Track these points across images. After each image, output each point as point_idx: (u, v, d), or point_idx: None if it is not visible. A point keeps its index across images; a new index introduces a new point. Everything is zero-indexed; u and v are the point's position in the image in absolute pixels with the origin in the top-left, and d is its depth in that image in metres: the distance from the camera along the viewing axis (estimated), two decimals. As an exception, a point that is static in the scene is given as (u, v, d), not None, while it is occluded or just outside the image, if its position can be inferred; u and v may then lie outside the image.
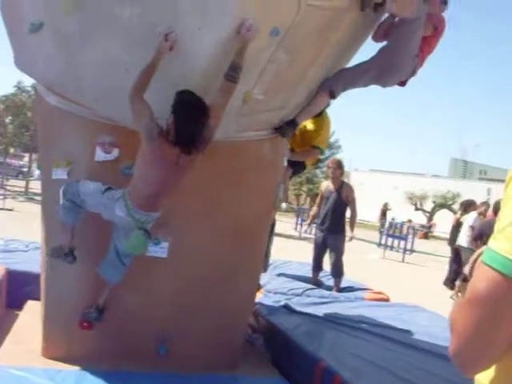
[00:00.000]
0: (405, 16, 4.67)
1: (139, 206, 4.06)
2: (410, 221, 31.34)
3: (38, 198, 21.79)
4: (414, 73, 5.04)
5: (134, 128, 4.07)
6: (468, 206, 13.44)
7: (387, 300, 8.36)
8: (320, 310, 6.91)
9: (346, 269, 8.91)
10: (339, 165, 9.11)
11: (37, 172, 36.54)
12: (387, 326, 6.53)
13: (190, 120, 3.78)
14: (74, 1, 4.08)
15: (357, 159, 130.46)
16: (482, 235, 9.68)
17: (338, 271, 8.78)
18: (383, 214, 35.40)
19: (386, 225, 23.97)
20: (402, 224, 24.56)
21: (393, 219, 26.87)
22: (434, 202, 45.96)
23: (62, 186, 4.37)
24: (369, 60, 4.96)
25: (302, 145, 6.61)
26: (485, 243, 10.05)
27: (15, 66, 5.09)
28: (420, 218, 42.71)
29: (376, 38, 4.91)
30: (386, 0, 4.48)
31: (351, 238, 9.17)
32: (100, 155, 4.53)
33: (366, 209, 30.41)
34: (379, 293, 8.49)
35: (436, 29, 5.00)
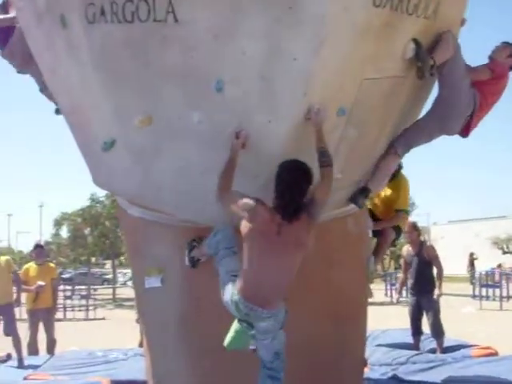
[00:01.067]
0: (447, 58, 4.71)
1: (246, 296, 3.82)
2: (500, 266, 30.20)
3: (128, 303, 22.43)
4: (474, 105, 4.94)
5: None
6: None
7: (496, 354, 7.98)
8: (431, 376, 6.66)
9: (445, 327, 8.62)
10: (414, 227, 9.05)
11: (121, 278, 37.43)
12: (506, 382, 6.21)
13: (293, 181, 3.77)
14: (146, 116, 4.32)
15: (434, 213, 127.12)
16: None
17: (438, 331, 8.57)
18: (471, 264, 34.30)
19: (477, 275, 23.16)
20: (493, 271, 23.67)
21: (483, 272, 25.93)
22: (521, 242, 44.30)
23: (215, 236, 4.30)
24: (426, 113, 4.97)
25: (386, 212, 6.57)
26: None
27: (94, 184, 5.32)
28: (510, 261, 41.08)
29: None
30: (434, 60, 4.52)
31: (438, 296, 8.94)
32: (191, 259, 4.61)
33: (451, 262, 29.54)
34: (487, 348, 8.13)
35: (493, 72, 4.91)
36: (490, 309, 19.34)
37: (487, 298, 20.93)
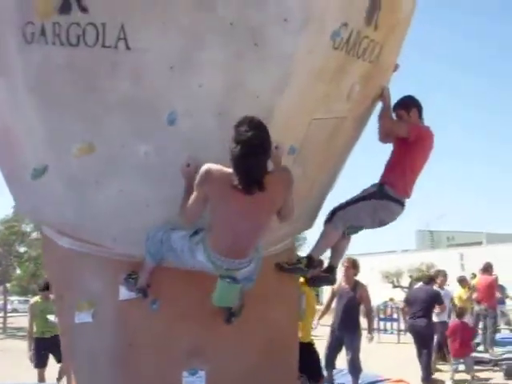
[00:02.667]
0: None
1: (220, 252, 3.75)
2: (392, 299, 31.21)
3: (21, 333, 21.21)
4: None
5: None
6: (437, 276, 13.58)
7: (408, 386, 8.25)
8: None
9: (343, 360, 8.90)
10: (353, 265, 9.25)
11: (9, 306, 35.53)
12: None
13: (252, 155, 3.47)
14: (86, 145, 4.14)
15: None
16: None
17: (357, 368, 8.78)
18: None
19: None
20: (386, 304, 24.43)
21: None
22: (410, 276, 46.02)
23: (158, 230, 4.08)
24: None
25: None
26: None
27: (19, 212, 5.04)
28: (400, 295, 42.60)
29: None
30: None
31: (371, 339, 9.39)
32: (124, 293, 4.41)
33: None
34: (399, 380, 8.38)
35: (409, 134, 4.81)
36: (388, 342, 19.92)
37: (385, 331, 21.54)
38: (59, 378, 8.75)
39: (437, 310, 10.94)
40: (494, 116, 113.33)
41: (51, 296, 9.31)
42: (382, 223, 4.98)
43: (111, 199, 4.21)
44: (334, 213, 4.89)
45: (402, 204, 4.89)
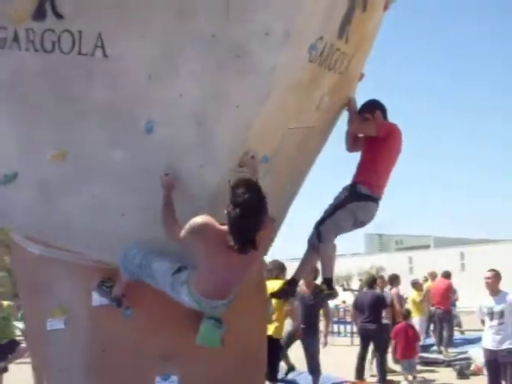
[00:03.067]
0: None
1: (204, 294, 3.82)
2: (344, 302, 31.56)
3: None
4: None
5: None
6: (394, 279, 13.79)
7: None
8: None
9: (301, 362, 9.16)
10: (315, 269, 9.35)
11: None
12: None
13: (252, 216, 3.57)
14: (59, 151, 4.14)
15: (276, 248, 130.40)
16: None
17: (316, 369, 9.03)
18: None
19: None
20: (338, 307, 24.70)
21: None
22: (360, 279, 46.60)
23: (135, 249, 4.06)
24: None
25: None
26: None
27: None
28: (351, 298, 43.08)
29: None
30: None
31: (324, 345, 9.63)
32: (97, 299, 4.40)
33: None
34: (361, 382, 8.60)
35: (378, 131, 4.96)
36: (342, 344, 20.17)
37: (338, 333, 21.79)
38: None
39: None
40: (444, 114, 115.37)
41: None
42: (362, 224, 5.08)
43: (84, 206, 4.21)
44: (318, 231, 4.93)
45: (376, 201, 4.98)
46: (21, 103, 4.23)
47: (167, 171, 3.84)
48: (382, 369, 10.39)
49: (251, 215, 3.55)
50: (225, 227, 3.65)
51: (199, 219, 3.66)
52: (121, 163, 4.00)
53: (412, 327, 11.09)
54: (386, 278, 14.13)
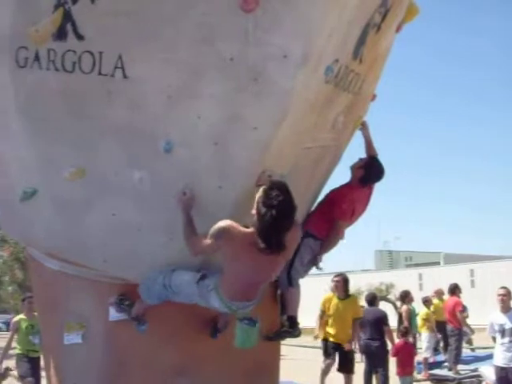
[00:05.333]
0: None
1: (232, 297, 3.92)
2: (353, 318, 31.37)
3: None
4: None
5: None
6: (405, 296, 13.93)
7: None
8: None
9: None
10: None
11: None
12: None
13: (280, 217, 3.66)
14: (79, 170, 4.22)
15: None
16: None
17: None
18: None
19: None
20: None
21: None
22: (368, 296, 46.39)
23: (156, 272, 4.18)
24: None
25: None
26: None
27: (7, 233, 5.05)
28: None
29: None
30: None
31: None
32: (114, 315, 4.48)
33: (305, 315, 30.34)
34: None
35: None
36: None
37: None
38: None
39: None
40: (454, 130, 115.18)
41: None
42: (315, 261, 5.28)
43: (103, 222, 4.28)
44: (290, 276, 5.02)
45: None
46: (40, 121, 4.29)
47: (185, 190, 3.91)
48: None
49: (285, 216, 3.68)
50: (250, 229, 3.74)
51: (222, 223, 3.74)
52: (140, 182, 4.06)
53: (409, 345, 11.06)
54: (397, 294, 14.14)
